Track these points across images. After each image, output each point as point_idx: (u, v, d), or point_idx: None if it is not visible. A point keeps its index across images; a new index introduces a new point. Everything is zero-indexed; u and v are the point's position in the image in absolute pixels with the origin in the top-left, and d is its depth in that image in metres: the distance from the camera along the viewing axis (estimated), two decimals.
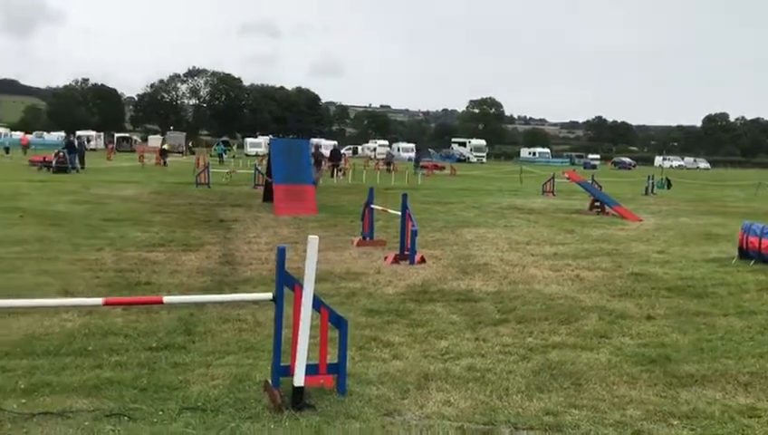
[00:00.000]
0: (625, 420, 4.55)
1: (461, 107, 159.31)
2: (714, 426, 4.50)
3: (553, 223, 16.50)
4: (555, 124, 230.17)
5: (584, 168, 74.92)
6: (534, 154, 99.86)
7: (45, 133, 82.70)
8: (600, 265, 10.56)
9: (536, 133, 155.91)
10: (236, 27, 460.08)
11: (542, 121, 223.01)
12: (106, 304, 4.71)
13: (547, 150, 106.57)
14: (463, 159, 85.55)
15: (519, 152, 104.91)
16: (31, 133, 79.07)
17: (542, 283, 9.02)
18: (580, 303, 7.92)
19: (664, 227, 16.26)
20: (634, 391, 5.08)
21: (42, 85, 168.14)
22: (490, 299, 7.96)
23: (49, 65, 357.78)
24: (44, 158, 33.19)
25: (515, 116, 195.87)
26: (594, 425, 4.45)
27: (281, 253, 4.59)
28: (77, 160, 32.79)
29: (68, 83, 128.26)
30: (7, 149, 55.23)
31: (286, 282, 4.61)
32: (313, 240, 4.47)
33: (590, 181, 24.04)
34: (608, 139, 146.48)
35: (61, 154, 32.42)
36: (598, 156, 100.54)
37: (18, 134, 78.53)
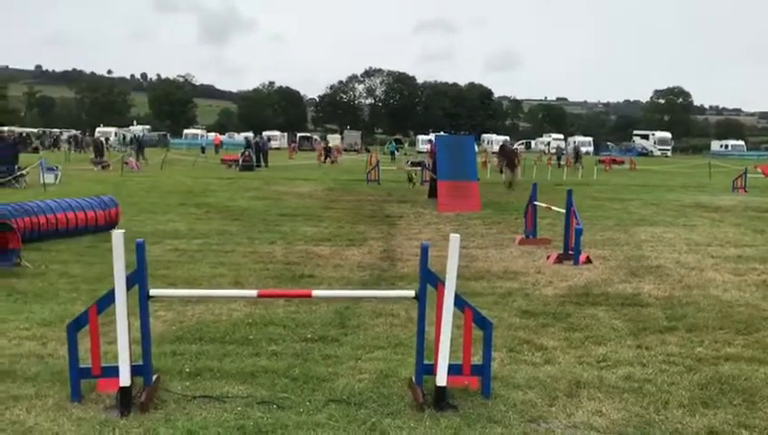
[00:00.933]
0: None
1: (645, 97, 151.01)
2: None
3: (741, 222, 15.09)
4: (752, 114, 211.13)
5: None
6: (726, 147, 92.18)
7: (236, 134, 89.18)
8: None
9: (729, 124, 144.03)
10: (412, 26, 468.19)
11: (737, 111, 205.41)
12: (260, 296, 4.95)
13: (741, 143, 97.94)
14: (645, 153, 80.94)
15: (709, 145, 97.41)
16: (223, 134, 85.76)
17: (721, 288, 8.27)
18: (764, 311, 7.15)
19: None
20: None
21: (234, 89, 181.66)
22: (659, 304, 7.42)
23: (241, 70, 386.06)
24: (233, 157, 35.97)
25: (706, 106, 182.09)
26: None
27: (424, 251, 4.56)
28: (261, 159, 35.09)
29: (256, 87, 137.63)
30: (203, 149, 60.31)
31: (429, 280, 4.58)
32: (455, 239, 4.40)
33: None
34: None
35: (246, 154, 34.89)
36: None
37: (212, 135, 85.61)
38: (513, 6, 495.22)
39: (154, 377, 4.70)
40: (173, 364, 5.21)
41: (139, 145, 41.61)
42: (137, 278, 4.45)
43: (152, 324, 4.85)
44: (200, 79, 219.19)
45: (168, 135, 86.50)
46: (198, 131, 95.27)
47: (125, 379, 4.36)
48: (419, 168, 26.23)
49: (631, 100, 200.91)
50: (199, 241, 11.05)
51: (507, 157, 24.74)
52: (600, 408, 4.55)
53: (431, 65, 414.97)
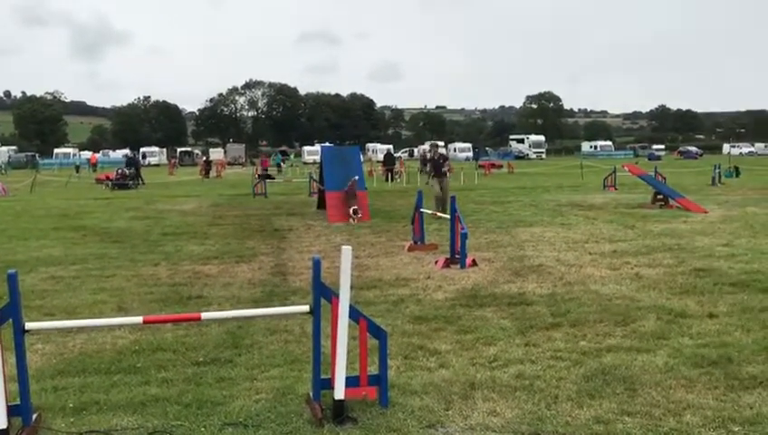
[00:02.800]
0: (681, 427, 4.31)
1: (518, 103, 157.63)
2: None
3: (614, 219, 16.03)
4: (617, 116, 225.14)
5: (648, 159, 72.94)
6: (596, 147, 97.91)
7: (111, 151, 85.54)
8: (662, 261, 10.17)
9: (597, 126, 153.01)
10: (294, 38, 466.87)
11: (604, 113, 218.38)
12: (145, 322, 4.75)
13: (609, 143, 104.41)
14: (521, 156, 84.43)
15: (580, 146, 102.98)
16: (98, 152, 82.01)
17: (599, 282, 8.73)
18: (639, 302, 7.61)
19: (730, 219, 15.59)
20: (692, 396, 4.81)
21: (107, 105, 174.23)
22: (543, 302, 7.73)
23: (115, 85, 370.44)
24: (107, 176, 34.44)
25: (575, 109, 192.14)
26: (647, 433, 4.23)
27: (316, 264, 4.53)
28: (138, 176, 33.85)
29: (131, 102, 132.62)
30: (78, 168, 57.42)
31: (323, 293, 4.55)
32: (347, 250, 4.39)
33: (653, 173, 23.33)
34: (672, 128, 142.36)
35: (119, 171, 33.63)
36: (662, 146, 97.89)
37: (87, 153, 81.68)
38: (394, 19, 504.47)
39: (34, 416, 4.39)
40: (55, 400, 4.89)
41: None
42: (10, 312, 4.15)
43: (30, 359, 4.54)
44: (70, 96, 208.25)
45: (37, 155, 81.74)
46: (70, 150, 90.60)
47: (1, 421, 4.05)
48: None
49: (506, 105, 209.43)
50: (77, 267, 10.47)
51: (434, 165, 18.55)
52: (495, 408, 4.68)
53: (314, 77, 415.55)
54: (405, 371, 5.45)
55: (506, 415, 4.55)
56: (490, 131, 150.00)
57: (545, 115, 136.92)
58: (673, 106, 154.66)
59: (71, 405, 4.81)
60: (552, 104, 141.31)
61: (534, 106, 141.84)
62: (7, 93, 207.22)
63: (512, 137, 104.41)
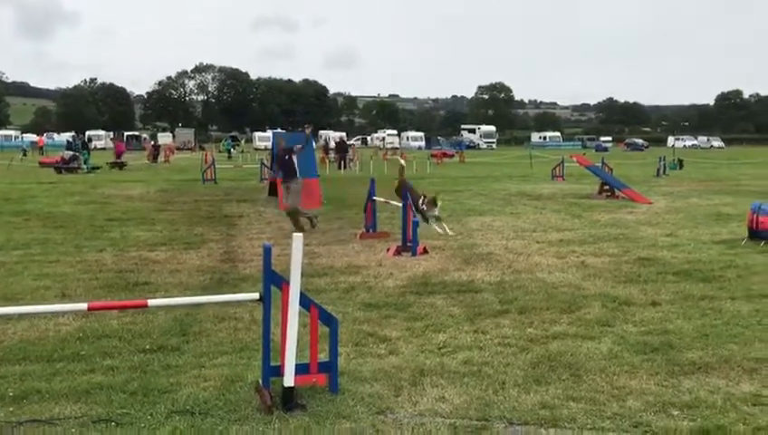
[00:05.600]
0: (624, 411, 4.43)
1: (470, 93, 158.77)
2: (715, 415, 4.37)
3: (561, 208, 16.32)
4: (566, 107, 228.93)
5: (596, 150, 74.35)
6: (545, 138, 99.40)
7: (56, 135, 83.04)
8: (607, 250, 10.40)
9: (547, 117, 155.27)
10: (249, 22, 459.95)
11: (553, 105, 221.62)
12: (90, 309, 4.64)
13: (558, 134, 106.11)
14: (473, 146, 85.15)
15: (530, 137, 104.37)
16: (42, 135, 79.51)
17: (546, 271, 8.89)
18: (584, 290, 7.78)
19: (674, 209, 16.05)
20: (634, 381, 4.95)
21: (52, 87, 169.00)
22: (491, 289, 7.84)
23: (61, 67, 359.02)
24: (56, 160, 33.50)
25: (525, 100, 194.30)
26: (591, 418, 4.34)
27: (267, 251, 4.49)
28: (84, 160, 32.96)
29: (77, 84, 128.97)
30: (25, 152, 55.61)
31: (273, 281, 4.52)
32: (298, 238, 4.37)
33: (600, 164, 23.81)
34: (620, 120, 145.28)
35: (63, 156, 32.75)
36: (610, 138, 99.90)
37: (30, 136, 79.14)
38: (350, 7, 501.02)
39: None
40: None
41: None
42: None
43: None
44: (12, 76, 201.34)
45: None
46: (12, 132, 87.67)
47: None
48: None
49: (458, 95, 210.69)
50: (19, 252, 10.16)
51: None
52: (443, 394, 4.73)
53: (269, 63, 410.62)
54: (355, 357, 5.46)
55: (455, 401, 4.61)
56: (442, 121, 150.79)
57: (496, 106, 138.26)
58: (620, 98, 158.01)
59: (10, 394, 4.68)
60: (503, 95, 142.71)
61: (486, 96, 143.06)
62: None
63: (463, 127, 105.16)
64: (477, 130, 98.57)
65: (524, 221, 13.88)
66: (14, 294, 7.59)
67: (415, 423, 4.26)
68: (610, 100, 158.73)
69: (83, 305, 4.71)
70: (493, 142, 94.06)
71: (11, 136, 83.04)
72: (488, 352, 5.61)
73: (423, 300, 7.34)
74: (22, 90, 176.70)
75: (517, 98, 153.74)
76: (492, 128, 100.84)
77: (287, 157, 12.95)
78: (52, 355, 5.51)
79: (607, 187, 19.74)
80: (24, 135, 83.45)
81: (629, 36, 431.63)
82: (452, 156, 51.45)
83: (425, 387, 4.85)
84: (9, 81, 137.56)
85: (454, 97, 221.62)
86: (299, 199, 12.77)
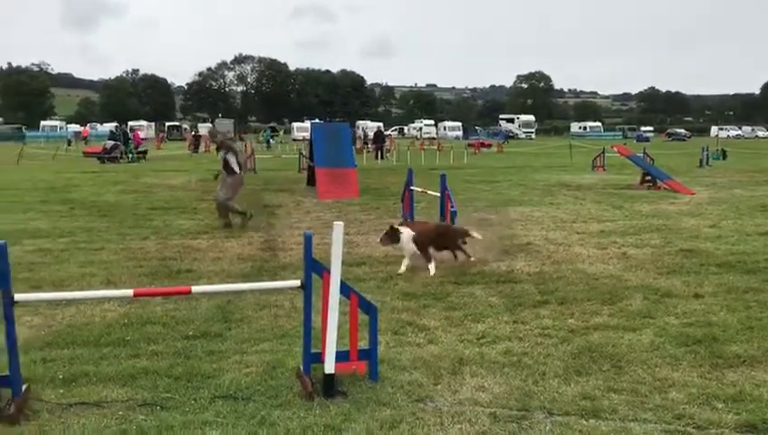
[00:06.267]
0: (666, 403, 4.38)
1: (509, 82, 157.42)
2: (761, 409, 4.29)
3: (602, 199, 16.11)
4: (607, 97, 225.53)
5: (637, 140, 73.15)
6: (585, 128, 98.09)
7: (98, 125, 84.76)
8: (649, 241, 10.25)
9: (587, 107, 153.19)
10: (288, 12, 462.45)
11: (594, 94, 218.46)
12: (136, 295, 4.75)
13: (598, 124, 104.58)
14: (511, 136, 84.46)
15: (569, 127, 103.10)
16: (86, 126, 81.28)
17: (587, 262, 8.80)
18: (626, 282, 7.68)
19: (717, 200, 15.72)
20: (677, 374, 4.89)
21: (95, 78, 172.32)
22: (531, 280, 7.79)
23: (105, 58, 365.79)
24: (99, 150, 34.23)
25: (565, 89, 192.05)
26: (633, 409, 4.30)
27: (308, 240, 4.54)
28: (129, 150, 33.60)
29: (119, 75, 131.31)
30: (70, 142, 56.95)
31: (314, 268, 4.57)
32: (338, 226, 4.40)
33: (641, 154, 23.43)
34: (661, 110, 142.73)
35: (105, 146, 33.51)
36: (651, 128, 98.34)
37: (74, 127, 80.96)
38: None
39: (23, 387, 4.39)
40: (44, 372, 4.90)
41: None
42: None
43: (17, 331, 4.52)
44: (57, 67, 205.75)
45: (24, 128, 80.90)
46: (57, 123, 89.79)
47: None
48: None
49: (497, 85, 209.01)
50: (65, 240, 10.42)
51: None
52: (483, 383, 4.73)
53: (305, 53, 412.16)
54: (394, 346, 5.49)
55: (494, 390, 4.61)
56: (480, 110, 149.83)
57: (536, 95, 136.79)
58: (662, 88, 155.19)
59: (60, 377, 4.82)
60: (542, 84, 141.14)
61: (525, 86, 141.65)
62: None
63: (502, 116, 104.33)
64: (516, 120, 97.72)
65: (564, 212, 13.74)
66: (61, 280, 7.79)
67: (455, 412, 4.27)
68: (652, 89, 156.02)
69: (129, 292, 4.82)
70: (532, 132, 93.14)
71: (56, 126, 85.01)
72: (528, 343, 5.59)
73: (461, 290, 7.33)
74: (66, 81, 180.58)
75: (557, 87, 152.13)
76: (531, 117, 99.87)
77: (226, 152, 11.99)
78: (99, 340, 5.65)
79: (648, 177, 19.41)
80: (69, 126, 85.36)
81: (673, 24, 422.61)
82: (489, 146, 51.12)
83: (464, 376, 4.86)
84: (54, 72, 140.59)
85: (492, 86, 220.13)
86: (231, 194, 11.87)
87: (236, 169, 11.95)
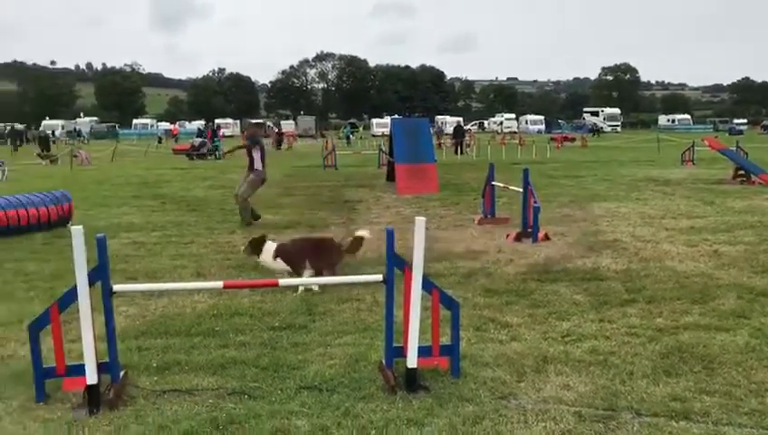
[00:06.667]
0: (763, 408, 4.19)
1: (593, 75, 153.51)
2: None
3: (692, 194, 15.51)
4: (696, 88, 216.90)
5: (729, 134, 69.86)
6: (673, 121, 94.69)
7: (186, 123, 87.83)
8: (742, 238, 9.80)
9: (675, 99, 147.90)
10: (368, 8, 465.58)
11: (682, 86, 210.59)
12: (225, 287, 4.91)
13: (687, 117, 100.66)
14: (596, 130, 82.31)
15: (657, 120, 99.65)
16: (175, 123, 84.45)
17: (676, 259, 8.49)
18: (718, 280, 7.38)
19: None
20: None
21: (183, 77, 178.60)
22: (618, 278, 7.58)
23: (192, 57, 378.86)
24: (188, 147, 35.56)
25: (652, 81, 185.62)
26: (727, 413, 4.13)
27: (389, 235, 4.58)
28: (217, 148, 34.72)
29: (206, 74, 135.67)
30: (161, 139, 59.38)
31: (396, 263, 4.60)
32: (420, 222, 4.42)
33: (734, 148, 22.39)
34: (756, 101, 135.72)
35: (193, 143, 34.84)
36: (744, 120, 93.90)
37: (164, 125, 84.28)
38: None
39: (121, 373, 4.62)
40: (140, 359, 5.14)
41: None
42: (99, 274, 4.35)
43: (115, 320, 4.75)
44: (148, 67, 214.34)
45: (117, 126, 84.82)
46: (148, 121, 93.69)
47: (92, 377, 4.28)
48: None
49: (580, 77, 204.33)
50: (157, 233, 10.88)
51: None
52: (568, 382, 4.65)
53: (385, 48, 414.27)
54: (476, 342, 5.47)
55: (580, 389, 4.52)
56: (563, 104, 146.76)
57: (621, 87, 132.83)
58: (757, 78, 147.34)
59: (154, 365, 5.04)
60: (628, 76, 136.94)
61: (610, 78, 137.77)
62: (89, 65, 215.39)
63: (586, 109, 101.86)
64: (601, 113, 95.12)
65: (652, 207, 13.31)
66: (154, 272, 8.14)
67: (539, 410, 4.22)
68: (746, 80, 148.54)
69: (219, 283, 5.00)
70: (617, 125, 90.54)
71: (147, 124, 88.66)
72: (615, 342, 5.45)
73: (545, 287, 7.22)
74: (156, 80, 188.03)
75: (643, 79, 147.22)
76: (616, 110, 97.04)
77: (252, 149, 12.24)
78: (190, 330, 5.88)
79: (741, 171, 18.53)
80: (159, 124, 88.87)
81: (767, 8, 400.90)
82: (573, 140, 49.99)
83: (548, 374, 4.79)
84: (145, 72, 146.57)
85: (576, 79, 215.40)
86: (251, 192, 12.01)
87: (260, 165, 12.14)
